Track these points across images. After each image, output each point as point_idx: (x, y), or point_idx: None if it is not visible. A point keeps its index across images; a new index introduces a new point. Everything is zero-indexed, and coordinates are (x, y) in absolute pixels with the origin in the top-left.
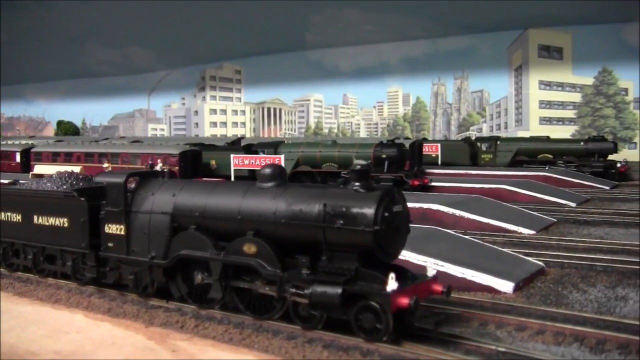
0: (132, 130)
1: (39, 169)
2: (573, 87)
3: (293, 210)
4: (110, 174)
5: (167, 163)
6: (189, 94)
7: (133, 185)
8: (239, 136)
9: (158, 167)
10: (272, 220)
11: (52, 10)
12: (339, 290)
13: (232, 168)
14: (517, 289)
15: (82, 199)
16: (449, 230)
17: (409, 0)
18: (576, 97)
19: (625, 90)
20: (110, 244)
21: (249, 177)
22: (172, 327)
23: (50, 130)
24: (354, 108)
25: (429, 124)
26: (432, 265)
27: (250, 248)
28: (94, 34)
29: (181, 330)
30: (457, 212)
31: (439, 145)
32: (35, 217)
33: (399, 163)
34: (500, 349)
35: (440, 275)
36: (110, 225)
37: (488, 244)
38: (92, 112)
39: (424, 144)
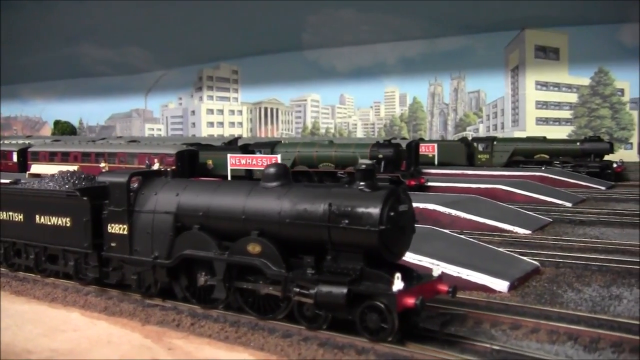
0: (129, 130)
1: (35, 168)
2: (569, 87)
3: (298, 210)
4: (113, 174)
5: (164, 163)
6: (186, 94)
7: (136, 185)
8: (236, 136)
9: (155, 167)
10: (277, 220)
11: (50, 10)
12: (345, 290)
13: (229, 168)
14: (512, 288)
15: (85, 198)
16: (445, 230)
17: (405, 0)
18: (572, 97)
19: (622, 90)
20: (113, 244)
21: (246, 177)
22: (168, 325)
23: (47, 130)
24: (351, 108)
25: (425, 124)
26: (427, 265)
27: (254, 248)
28: (91, 33)
29: (177, 328)
30: (454, 212)
31: (435, 145)
32: (37, 217)
33: (395, 163)
34: (494, 347)
35: None
36: (113, 225)
37: (484, 244)
38: (89, 111)
39: (421, 144)
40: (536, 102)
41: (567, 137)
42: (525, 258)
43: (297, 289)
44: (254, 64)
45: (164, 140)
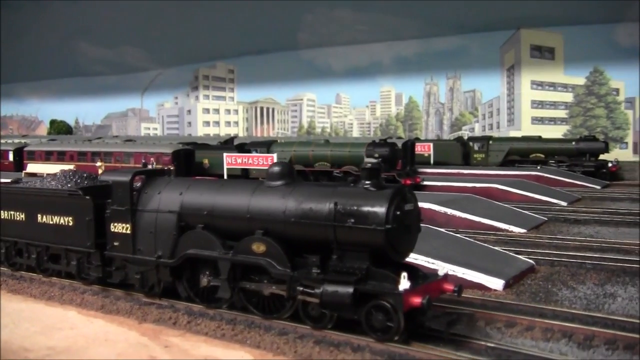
0: (125, 130)
1: (32, 168)
2: (565, 87)
3: (303, 209)
4: (116, 173)
5: (160, 162)
6: (182, 93)
7: (139, 184)
8: (231, 135)
9: (150, 166)
10: (282, 219)
11: (45, 9)
12: (351, 290)
13: (225, 167)
14: (507, 286)
15: (88, 197)
16: (440, 229)
17: (401, 0)
18: (568, 97)
19: (617, 90)
20: (115, 243)
21: (242, 176)
22: (165, 323)
23: (43, 129)
24: (347, 107)
25: (421, 124)
26: (424, 263)
27: (259, 247)
28: (87, 33)
29: (174, 326)
30: (449, 211)
31: (431, 144)
32: (39, 216)
33: (391, 162)
34: (489, 344)
35: None
36: (116, 224)
37: (479, 243)
38: (85, 111)
39: (417, 144)
40: (532, 101)
41: (562, 137)
42: (520, 256)
43: (302, 288)
44: (250, 63)
45: (160, 139)
